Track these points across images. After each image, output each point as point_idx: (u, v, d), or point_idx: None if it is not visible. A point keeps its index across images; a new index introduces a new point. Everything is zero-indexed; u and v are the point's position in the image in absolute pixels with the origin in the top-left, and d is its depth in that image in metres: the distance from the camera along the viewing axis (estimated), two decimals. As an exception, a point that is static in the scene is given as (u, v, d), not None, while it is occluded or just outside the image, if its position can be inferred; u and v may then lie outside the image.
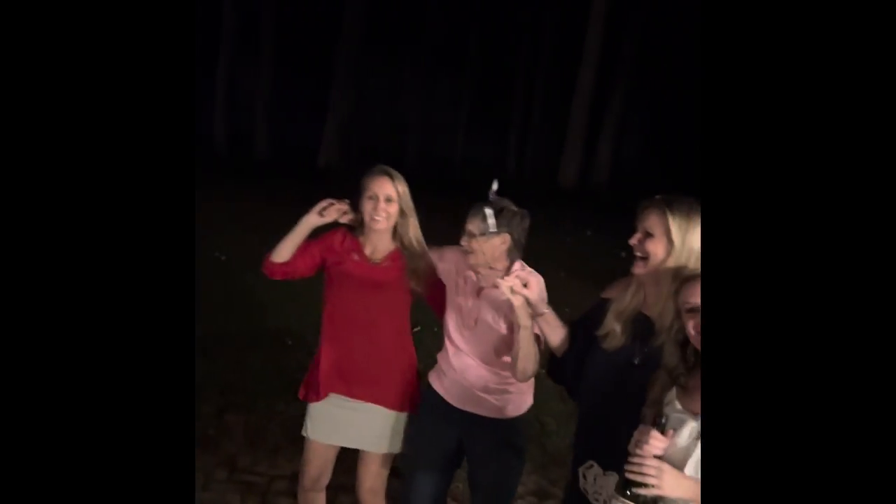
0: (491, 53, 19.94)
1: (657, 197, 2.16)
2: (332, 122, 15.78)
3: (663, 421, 1.80)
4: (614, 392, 2.18)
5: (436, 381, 2.80)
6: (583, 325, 2.37)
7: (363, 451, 2.89)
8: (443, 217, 2.75)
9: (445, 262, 2.81)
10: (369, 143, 16.31)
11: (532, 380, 2.68)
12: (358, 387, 2.82)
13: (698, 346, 1.83)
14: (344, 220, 2.81)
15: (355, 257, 2.82)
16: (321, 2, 17.98)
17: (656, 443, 1.77)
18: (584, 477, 2.25)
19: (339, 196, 2.83)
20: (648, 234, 2.12)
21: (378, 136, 17.82)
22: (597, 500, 2.21)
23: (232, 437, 4.04)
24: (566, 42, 17.49)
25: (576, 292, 5.31)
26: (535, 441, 4.23)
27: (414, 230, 2.83)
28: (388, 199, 2.76)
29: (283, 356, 5.17)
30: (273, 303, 6.12)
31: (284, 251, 2.80)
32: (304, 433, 2.91)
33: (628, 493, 1.80)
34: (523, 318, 2.35)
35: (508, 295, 2.30)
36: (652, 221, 2.12)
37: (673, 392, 1.92)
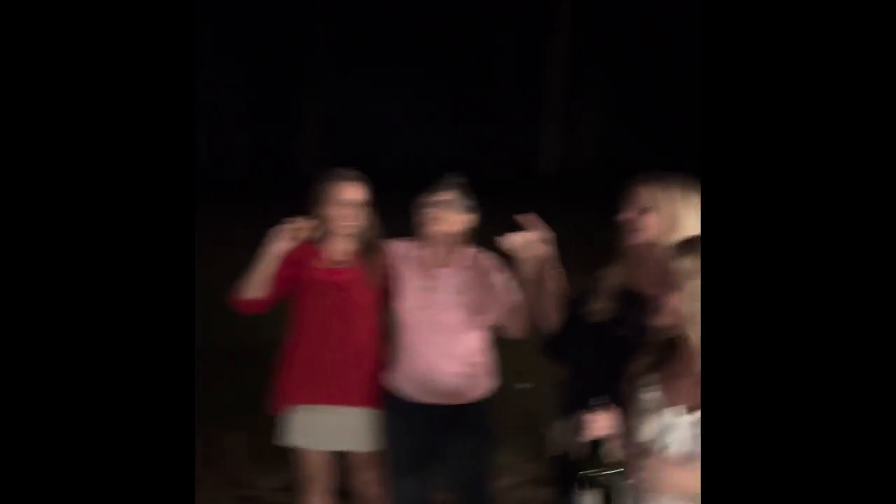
0: (459, 45, 19.89)
1: (649, 175, 2.24)
2: (310, 130, 15.81)
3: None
4: (598, 362, 2.23)
5: (398, 379, 2.79)
6: (578, 303, 2.41)
7: (349, 453, 2.92)
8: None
9: (394, 251, 2.84)
10: (349, 149, 16.28)
11: (491, 361, 2.76)
12: (330, 392, 2.83)
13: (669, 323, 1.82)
14: (314, 234, 2.80)
15: (320, 264, 2.82)
16: (291, 13, 17.90)
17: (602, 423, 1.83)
18: (561, 433, 2.31)
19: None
20: (644, 209, 2.19)
21: (356, 138, 17.78)
22: (567, 452, 2.21)
23: (233, 453, 4.05)
24: (534, 28, 17.48)
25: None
26: (531, 430, 4.23)
27: (375, 229, 2.86)
28: (361, 204, 2.78)
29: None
30: (263, 317, 6.10)
31: (260, 286, 2.78)
32: (282, 443, 2.90)
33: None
34: (529, 270, 2.39)
35: (516, 251, 2.35)
36: (649, 196, 2.19)
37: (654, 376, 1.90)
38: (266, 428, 4.41)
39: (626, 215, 2.24)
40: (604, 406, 1.89)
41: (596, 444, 1.86)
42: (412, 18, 18.55)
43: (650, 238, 2.19)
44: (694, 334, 1.73)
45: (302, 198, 2.87)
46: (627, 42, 17.00)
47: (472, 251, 2.75)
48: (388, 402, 2.83)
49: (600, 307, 2.30)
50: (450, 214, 2.67)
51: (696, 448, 1.71)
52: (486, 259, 2.72)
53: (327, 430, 2.86)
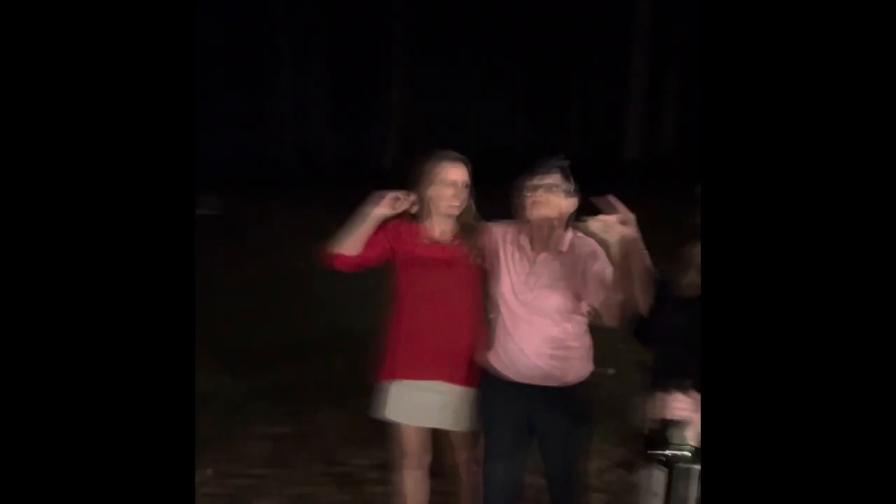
0: (541, 37, 19.76)
1: None
2: (393, 124, 16.03)
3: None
4: (687, 341, 2.21)
5: (495, 360, 2.81)
6: (665, 284, 2.42)
7: (447, 431, 2.96)
8: (504, 206, 2.85)
9: (493, 233, 2.89)
10: (430, 141, 16.41)
11: (591, 346, 2.78)
12: (429, 368, 2.88)
13: None
14: (412, 209, 2.90)
15: (426, 241, 2.91)
16: (369, 9, 18.18)
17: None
18: (639, 411, 2.30)
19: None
20: None
21: (438, 132, 17.92)
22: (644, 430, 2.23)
23: (325, 432, 4.22)
24: (616, 16, 17.20)
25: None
26: (617, 415, 4.24)
27: (473, 210, 2.93)
28: (466, 185, 2.87)
29: (368, 355, 5.32)
30: (352, 304, 6.29)
31: (354, 243, 2.88)
32: (381, 415, 2.95)
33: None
34: (614, 252, 2.41)
35: (601, 234, 2.36)
36: None
37: None
38: (359, 407, 4.58)
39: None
40: (683, 388, 1.90)
41: (669, 424, 1.88)
42: (493, 13, 18.54)
43: None
44: None
45: (385, 188, 2.95)
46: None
47: (570, 236, 2.75)
48: (485, 382, 2.87)
49: (689, 281, 2.28)
50: (551, 198, 2.68)
51: None
52: (585, 245, 2.72)
53: (425, 406, 2.91)
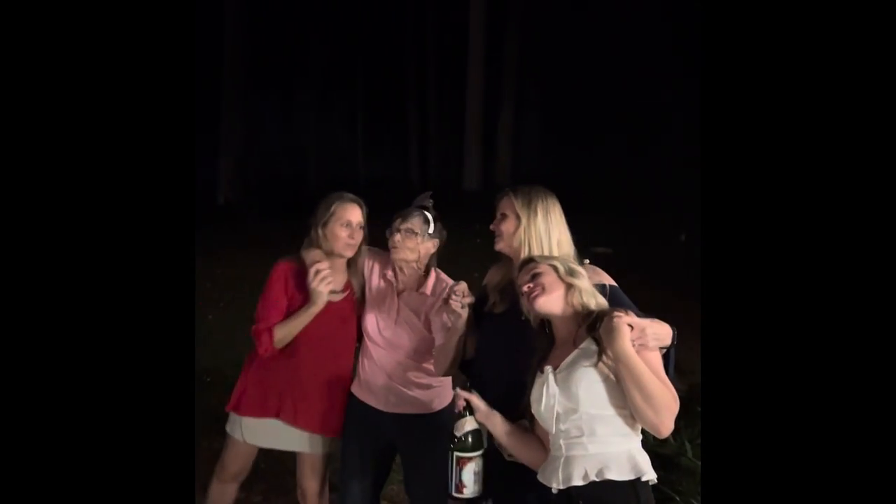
0: (378, 70, 20.01)
1: (506, 188, 2.51)
2: (227, 157, 15.47)
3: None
4: (508, 353, 2.38)
5: (360, 391, 2.84)
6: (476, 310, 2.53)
7: (299, 453, 2.93)
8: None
9: (367, 262, 2.93)
10: (268, 174, 16.09)
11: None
12: (302, 415, 2.84)
13: (531, 309, 2.16)
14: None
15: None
16: (201, 38, 17.65)
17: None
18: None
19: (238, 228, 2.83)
20: (502, 216, 2.44)
21: (276, 165, 17.61)
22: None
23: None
24: (451, 49, 17.71)
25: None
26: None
27: (362, 253, 2.93)
28: (361, 227, 2.84)
29: (203, 394, 5.05)
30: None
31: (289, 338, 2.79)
32: (234, 435, 2.91)
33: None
34: (462, 326, 2.46)
35: (459, 311, 2.41)
36: (502, 206, 2.45)
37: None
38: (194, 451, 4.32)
39: (492, 225, 2.49)
40: (465, 386, 2.24)
41: (456, 418, 2.16)
42: (329, 46, 18.55)
43: (508, 240, 2.42)
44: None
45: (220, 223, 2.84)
46: (541, 66, 17.46)
47: (433, 277, 2.81)
48: (352, 411, 2.88)
49: (494, 302, 2.49)
50: (409, 242, 2.73)
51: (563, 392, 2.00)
52: (443, 286, 2.77)
53: (283, 432, 2.88)
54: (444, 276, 2.81)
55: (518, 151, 17.47)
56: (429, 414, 2.80)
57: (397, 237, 2.73)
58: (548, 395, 2.02)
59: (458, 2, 16.31)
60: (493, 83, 16.32)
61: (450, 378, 2.82)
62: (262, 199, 10.76)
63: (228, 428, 2.96)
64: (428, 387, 2.80)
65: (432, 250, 2.81)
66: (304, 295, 2.81)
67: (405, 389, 2.77)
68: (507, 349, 2.37)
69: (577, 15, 17.03)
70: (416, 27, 19.09)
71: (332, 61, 19.25)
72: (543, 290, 2.11)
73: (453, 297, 2.40)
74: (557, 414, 2.00)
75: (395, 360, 2.78)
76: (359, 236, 2.87)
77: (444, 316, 2.55)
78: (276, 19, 17.99)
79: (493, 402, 2.25)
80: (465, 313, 2.41)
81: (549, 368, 2.08)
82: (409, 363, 2.77)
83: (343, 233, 2.84)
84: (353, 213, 2.87)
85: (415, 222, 2.76)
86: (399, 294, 2.80)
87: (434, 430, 2.77)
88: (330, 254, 2.85)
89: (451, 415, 2.26)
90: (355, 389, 2.87)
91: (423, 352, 2.77)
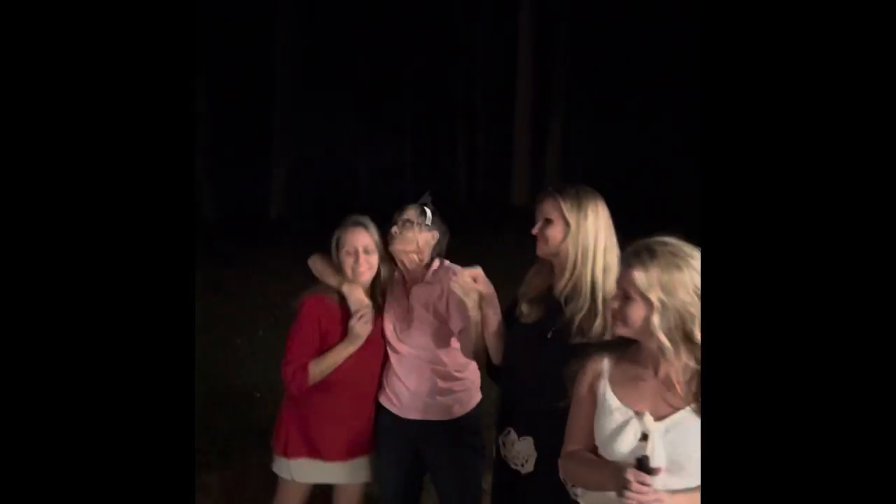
0: (427, 86, 20.11)
1: (549, 188, 2.38)
2: (278, 172, 15.70)
3: (646, 458, 1.70)
4: (528, 364, 2.34)
5: (385, 400, 2.86)
6: (507, 316, 2.50)
7: (337, 485, 2.95)
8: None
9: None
10: (319, 189, 16.28)
11: (478, 377, 2.84)
12: (343, 448, 2.85)
13: (616, 331, 1.88)
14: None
15: (342, 327, 2.81)
16: (252, 54, 17.95)
17: (643, 486, 1.68)
18: (503, 444, 2.40)
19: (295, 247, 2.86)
20: (547, 221, 2.33)
21: (327, 180, 17.77)
22: (515, 464, 2.35)
23: (209, 493, 3.96)
24: (499, 63, 17.73)
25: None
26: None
27: (388, 272, 2.89)
28: (367, 251, 2.78)
29: (253, 409, 5.10)
30: (236, 360, 6.06)
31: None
32: (283, 475, 2.92)
33: None
34: (475, 312, 2.44)
35: (461, 295, 2.39)
36: (547, 208, 2.33)
37: (605, 383, 1.90)
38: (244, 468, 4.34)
39: (534, 230, 2.38)
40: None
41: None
42: (379, 64, 18.71)
43: (554, 246, 2.32)
44: (661, 340, 1.75)
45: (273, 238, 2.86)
46: (590, 78, 17.37)
47: (435, 265, 2.81)
48: (380, 422, 2.89)
49: (522, 312, 2.41)
50: (406, 232, 2.75)
51: (670, 456, 1.71)
52: (450, 272, 2.72)
53: (325, 467, 2.88)
54: (451, 265, 2.78)
55: (567, 166, 17.40)
56: (449, 420, 2.79)
57: (395, 228, 2.76)
58: (637, 447, 1.74)
59: (507, 16, 16.38)
60: (542, 97, 16.30)
61: (473, 379, 2.85)
62: (313, 214, 10.87)
63: (275, 468, 2.95)
64: (449, 392, 2.78)
65: (431, 242, 2.80)
66: (337, 329, 2.79)
67: (425, 397, 2.77)
68: (527, 362, 2.34)
69: (626, 28, 16.87)
70: (464, 42, 19.15)
71: (382, 77, 19.41)
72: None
73: (452, 277, 2.40)
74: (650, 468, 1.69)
75: (413, 366, 2.78)
76: (368, 261, 2.80)
77: (457, 300, 2.53)
78: (327, 36, 18.23)
79: (518, 411, 2.24)
80: (469, 300, 2.39)
81: (648, 417, 1.77)
82: (427, 367, 2.77)
83: (349, 260, 2.80)
84: (358, 239, 2.80)
85: (411, 213, 2.78)
86: (409, 293, 2.81)
87: (455, 436, 2.79)
88: (349, 283, 2.82)
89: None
90: (382, 399, 2.89)
91: (440, 348, 2.76)
